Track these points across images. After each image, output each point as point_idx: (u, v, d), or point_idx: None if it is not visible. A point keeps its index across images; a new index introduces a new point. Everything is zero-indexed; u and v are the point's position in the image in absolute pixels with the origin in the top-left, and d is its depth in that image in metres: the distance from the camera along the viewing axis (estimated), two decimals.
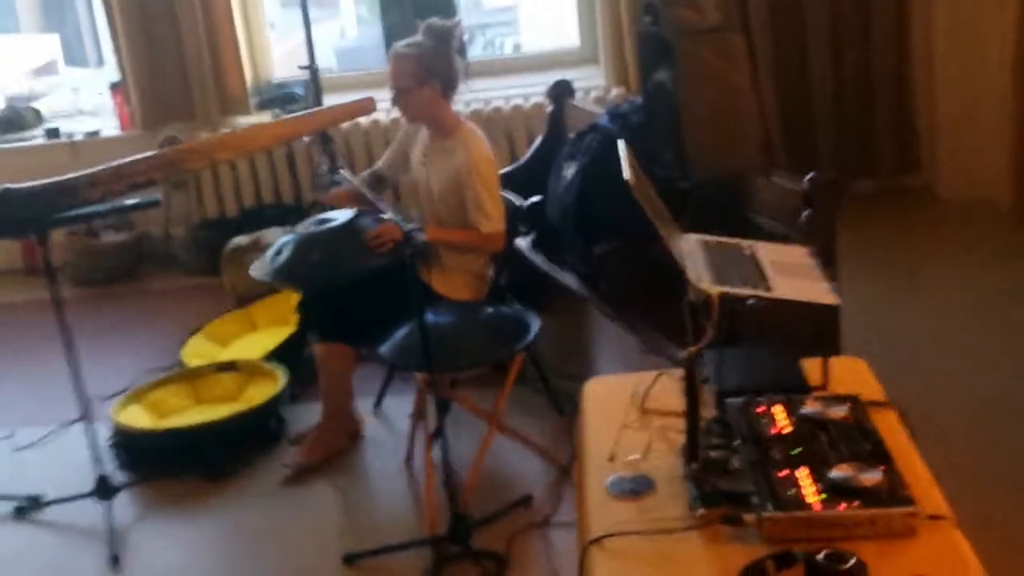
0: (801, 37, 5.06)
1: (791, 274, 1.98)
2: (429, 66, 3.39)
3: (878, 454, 1.94)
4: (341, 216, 3.37)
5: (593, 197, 3.65)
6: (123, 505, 3.44)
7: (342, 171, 3.46)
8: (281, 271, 3.32)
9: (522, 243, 4.02)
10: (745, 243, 2.14)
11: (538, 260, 3.97)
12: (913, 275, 4.52)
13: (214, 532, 3.38)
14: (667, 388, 2.34)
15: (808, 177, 3.11)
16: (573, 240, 3.75)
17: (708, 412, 2.12)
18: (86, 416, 3.31)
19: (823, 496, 1.84)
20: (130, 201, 3.60)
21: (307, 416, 3.76)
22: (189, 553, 3.29)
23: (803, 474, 1.90)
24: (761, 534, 1.81)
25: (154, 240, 5.48)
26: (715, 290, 1.76)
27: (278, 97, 5.35)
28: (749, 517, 1.83)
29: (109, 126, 5.51)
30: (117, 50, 5.32)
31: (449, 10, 4.80)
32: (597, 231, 3.63)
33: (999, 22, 4.64)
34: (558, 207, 3.83)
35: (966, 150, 5.00)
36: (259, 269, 3.39)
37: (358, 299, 3.40)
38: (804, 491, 1.86)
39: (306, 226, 3.41)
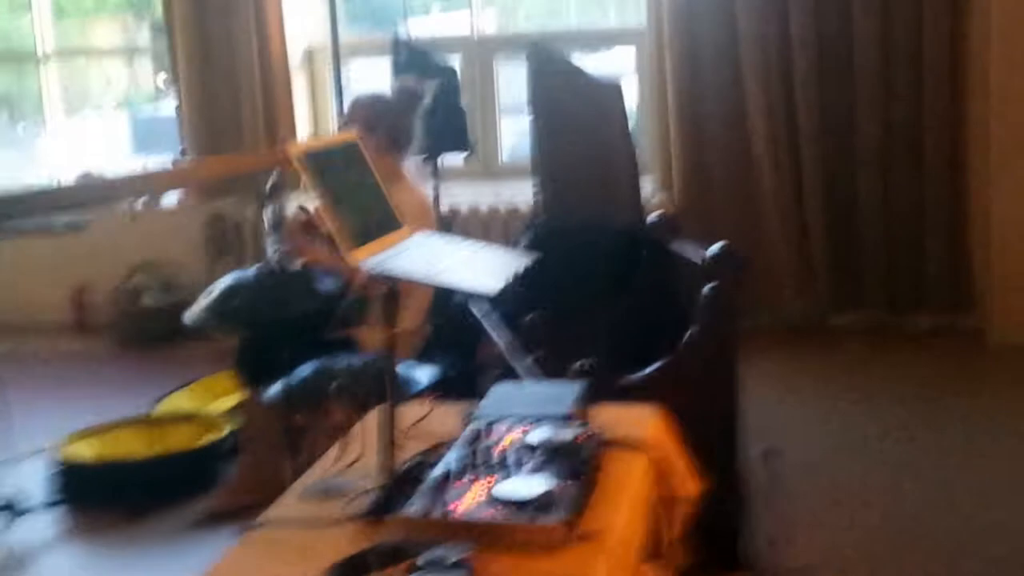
0: (851, 163, 4.93)
1: (477, 268, 1.88)
2: (378, 118, 3.45)
3: (573, 477, 1.80)
4: None
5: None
6: (38, 528, 3.52)
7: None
8: (202, 316, 3.37)
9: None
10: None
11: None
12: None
13: (100, 565, 3.44)
14: (448, 415, 2.24)
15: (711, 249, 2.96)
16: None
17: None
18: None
19: (478, 503, 1.71)
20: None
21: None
22: None
23: (480, 484, 1.78)
24: (405, 534, 1.68)
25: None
26: (358, 259, 1.68)
27: None
28: (390, 517, 1.72)
29: (170, 197, 5.78)
30: (181, 132, 5.62)
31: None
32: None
33: None
34: None
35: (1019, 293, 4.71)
36: (188, 315, 3.45)
37: (284, 346, 3.39)
38: (464, 498, 1.73)
39: None
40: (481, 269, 1.89)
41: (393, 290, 1.83)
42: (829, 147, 4.91)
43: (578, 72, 2.77)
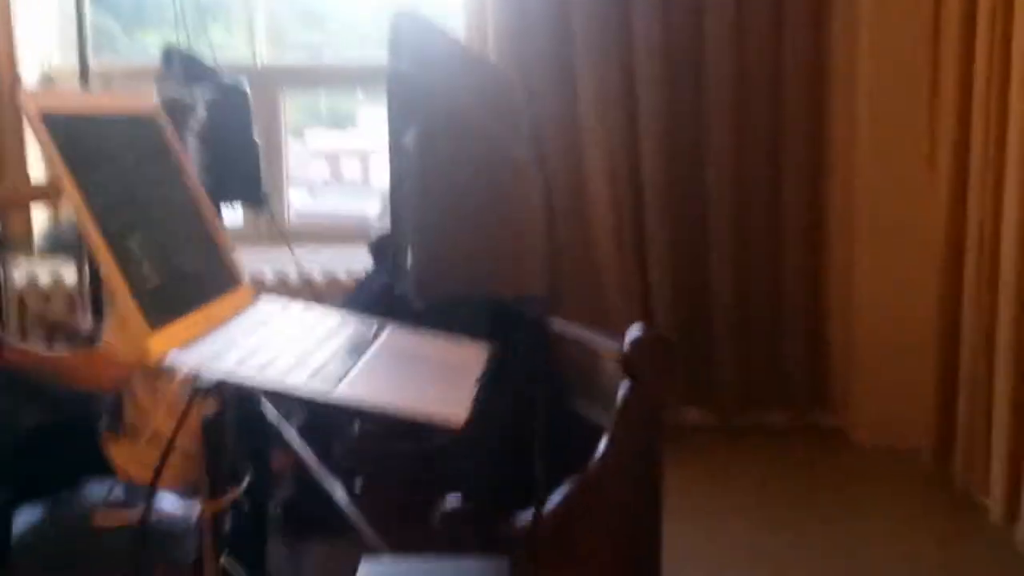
0: (701, 245, 4.31)
1: (415, 380, 1.00)
2: None
3: None
4: None
5: None
6: None
7: None
8: None
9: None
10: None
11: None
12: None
13: None
14: None
15: (632, 334, 2.15)
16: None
17: None
18: None
19: None
20: None
21: None
22: None
23: None
24: None
25: None
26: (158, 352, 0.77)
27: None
28: None
29: None
30: None
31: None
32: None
33: (926, 267, 3.89)
34: None
35: (884, 391, 4.16)
36: None
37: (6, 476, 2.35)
38: None
39: None
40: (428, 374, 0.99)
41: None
42: (678, 227, 4.27)
43: (469, 57, 1.88)
